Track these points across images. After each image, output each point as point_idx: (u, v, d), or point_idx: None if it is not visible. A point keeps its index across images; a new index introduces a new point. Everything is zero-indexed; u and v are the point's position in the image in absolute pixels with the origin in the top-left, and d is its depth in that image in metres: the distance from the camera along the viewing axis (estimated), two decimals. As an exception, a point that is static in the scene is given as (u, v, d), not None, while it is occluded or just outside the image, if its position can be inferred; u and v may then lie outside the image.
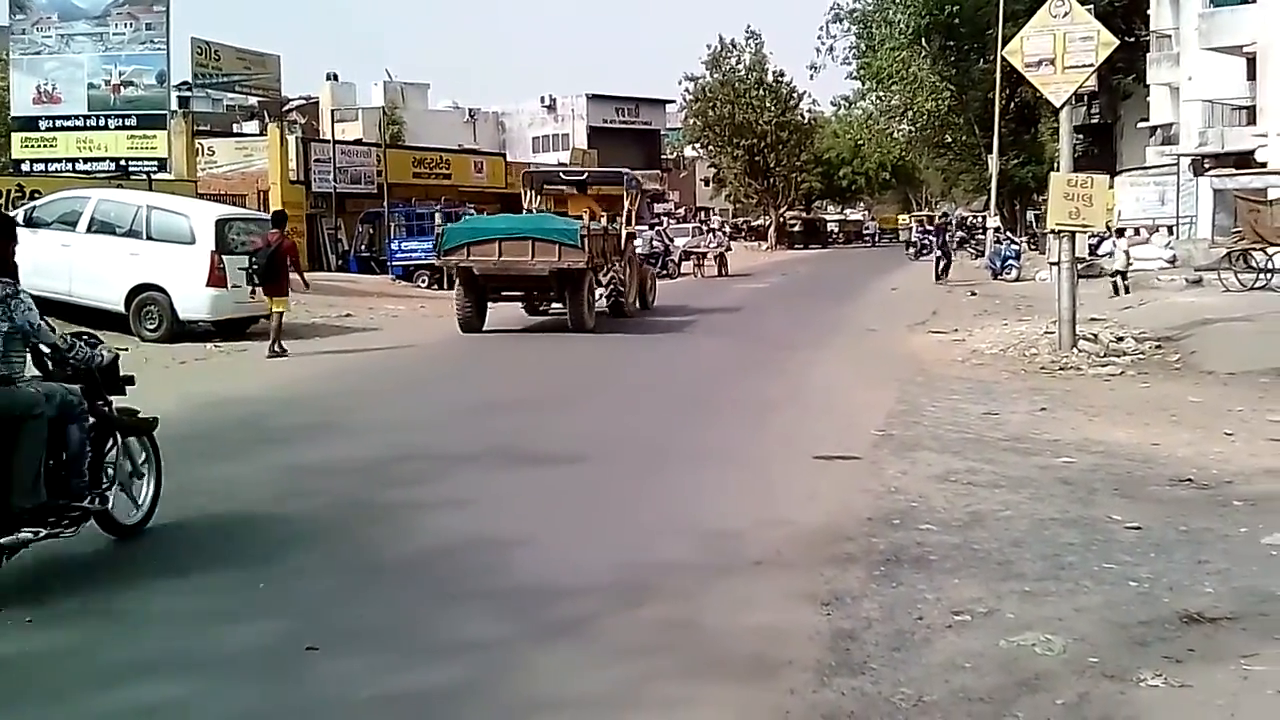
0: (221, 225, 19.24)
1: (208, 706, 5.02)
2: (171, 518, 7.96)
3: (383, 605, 6.28)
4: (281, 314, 17.86)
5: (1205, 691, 4.94)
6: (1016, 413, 12.41)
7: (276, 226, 18.85)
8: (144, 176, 27.81)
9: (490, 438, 11.05)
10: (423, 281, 35.05)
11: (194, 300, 18.82)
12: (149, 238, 19.07)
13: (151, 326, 18.81)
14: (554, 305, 22.16)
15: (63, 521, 6.83)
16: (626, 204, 25.52)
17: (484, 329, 21.23)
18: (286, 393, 14.10)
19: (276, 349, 17.43)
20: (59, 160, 28.22)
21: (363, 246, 39.98)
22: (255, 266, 17.83)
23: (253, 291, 18.13)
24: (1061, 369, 15.84)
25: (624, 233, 24.21)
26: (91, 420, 7.13)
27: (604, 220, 24.29)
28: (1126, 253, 30.50)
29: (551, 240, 20.40)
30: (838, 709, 4.85)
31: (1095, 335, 17.96)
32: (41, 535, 6.62)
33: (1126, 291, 28.29)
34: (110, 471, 7.34)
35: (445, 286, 32.91)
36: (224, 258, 18.74)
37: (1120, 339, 17.95)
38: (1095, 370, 15.65)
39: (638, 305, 25.24)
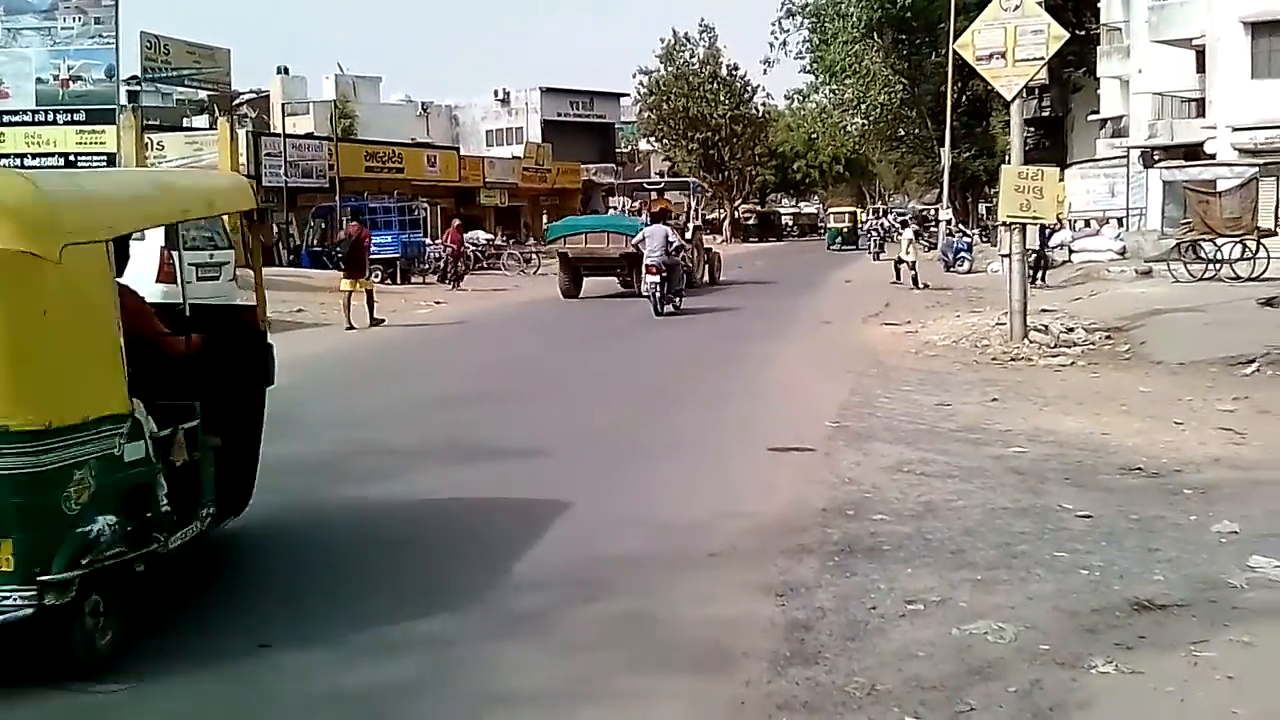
0: (171, 220, 19.03)
1: (160, 705, 4.98)
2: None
3: (337, 602, 6.24)
4: (370, 292, 21.77)
5: (1156, 678, 4.99)
6: (968, 403, 12.48)
7: (355, 220, 24.56)
8: (93, 171, 27.52)
9: (445, 432, 11.03)
10: (375, 276, 34.79)
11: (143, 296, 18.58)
12: (97, 233, 18.81)
13: (101, 323, 18.57)
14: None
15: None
16: (691, 203, 35.37)
17: (579, 296, 28.19)
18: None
19: (372, 320, 21.36)
20: (7, 156, 27.75)
21: (315, 241, 39.62)
22: (340, 255, 22.32)
23: (343, 279, 21.65)
24: (1013, 360, 15.94)
25: (691, 225, 31.89)
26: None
27: (675, 218, 30.70)
28: (910, 241, 32.53)
29: (622, 232, 27.10)
30: (792, 699, 4.87)
31: (1046, 326, 18.07)
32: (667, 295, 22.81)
33: (919, 286, 30.07)
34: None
35: (398, 281, 33.02)
36: (173, 253, 18.53)
37: (1071, 330, 18.07)
38: (1046, 361, 15.76)
39: (707, 280, 31.67)
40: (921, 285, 30.05)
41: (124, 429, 5.39)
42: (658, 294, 22.55)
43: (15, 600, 4.84)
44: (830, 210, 77.97)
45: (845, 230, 63.70)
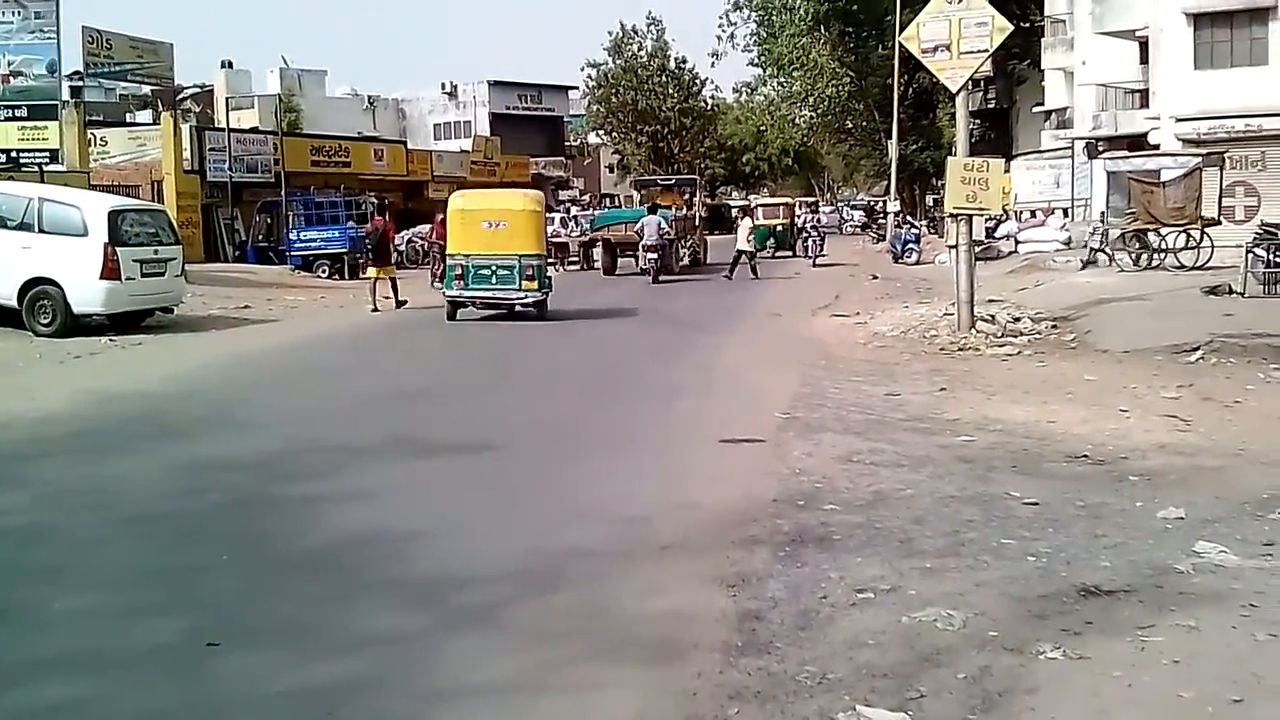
0: (115, 216, 18.80)
1: (110, 706, 4.92)
2: (67, 515, 7.80)
3: (287, 600, 6.19)
4: (394, 279, 24.48)
5: (1103, 663, 5.04)
6: (917, 393, 12.56)
7: (381, 214, 30.89)
8: (35, 168, 27.15)
9: (393, 427, 10.95)
10: (323, 271, 34.30)
11: (88, 293, 18.35)
12: (41, 230, 18.54)
13: (45, 321, 18.32)
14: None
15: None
16: (698, 196, 42.26)
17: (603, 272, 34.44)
18: (183, 386, 13.82)
19: (397, 303, 24.12)
20: (-51, 153, 27.42)
21: (260, 236, 39.25)
22: (369, 245, 25.53)
23: (370, 267, 25.04)
24: (960, 350, 16.06)
25: (698, 215, 39.50)
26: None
27: (680, 209, 36.67)
28: (748, 230, 34.84)
29: None
30: (744, 689, 4.88)
31: (993, 316, 18.22)
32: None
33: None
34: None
35: (345, 276, 32.47)
36: (118, 249, 18.34)
37: (1017, 319, 18.23)
38: (993, 350, 15.88)
39: (704, 261, 38.03)
40: (759, 275, 31.99)
41: (542, 258, 21.41)
42: (654, 268, 30.51)
43: (539, 295, 20.99)
44: (759, 204, 53.52)
45: (779, 230, 45.33)
